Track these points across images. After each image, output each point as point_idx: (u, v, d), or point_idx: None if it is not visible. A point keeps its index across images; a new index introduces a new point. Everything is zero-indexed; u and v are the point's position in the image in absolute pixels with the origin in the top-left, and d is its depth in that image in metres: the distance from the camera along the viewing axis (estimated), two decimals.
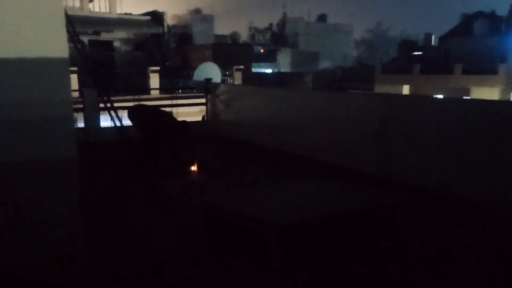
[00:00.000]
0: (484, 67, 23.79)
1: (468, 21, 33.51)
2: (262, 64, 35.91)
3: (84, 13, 21.03)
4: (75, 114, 12.18)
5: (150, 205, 5.48)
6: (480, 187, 5.41)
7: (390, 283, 3.57)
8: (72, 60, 7.49)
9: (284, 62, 38.60)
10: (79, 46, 6.44)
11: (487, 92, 22.40)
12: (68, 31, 4.59)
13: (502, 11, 34.16)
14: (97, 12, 22.14)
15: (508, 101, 16.94)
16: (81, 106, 10.67)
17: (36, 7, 3.29)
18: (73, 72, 14.26)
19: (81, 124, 11.14)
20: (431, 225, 4.72)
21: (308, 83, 27.71)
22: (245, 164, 7.68)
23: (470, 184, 5.52)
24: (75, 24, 6.84)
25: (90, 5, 21.95)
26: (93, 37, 21.99)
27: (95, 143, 8.56)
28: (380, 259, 3.91)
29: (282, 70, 36.34)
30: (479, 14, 34.13)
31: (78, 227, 3.63)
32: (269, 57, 38.04)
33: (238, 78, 22.28)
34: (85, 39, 19.98)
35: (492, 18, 32.36)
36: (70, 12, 10.63)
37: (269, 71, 35.15)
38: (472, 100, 12.10)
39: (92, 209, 4.90)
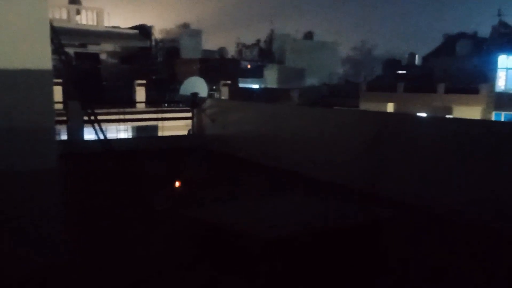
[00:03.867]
0: (466, 87, 24.31)
1: (451, 41, 34.31)
2: (249, 79, 36.12)
3: (71, 25, 20.98)
4: (59, 126, 12.06)
5: (135, 218, 5.41)
6: (467, 204, 5.48)
7: None
8: (57, 71, 7.46)
9: (271, 78, 38.89)
10: (63, 58, 6.40)
11: (469, 111, 22.85)
12: (53, 43, 4.56)
13: (484, 32, 35.12)
14: (84, 24, 22.11)
15: (490, 121, 17.30)
16: (65, 118, 10.58)
17: (20, 19, 3.27)
18: (58, 84, 14.13)
19: (64, 137, 11.01)
20: (419, 241, 4.75)
21: (295, 99, 27.92)
22: (230, 178, 7.65)
23: (457, 201, 5.59)
24: (62, 36, 6.82)
25: (77, 17, 21.93)
26: (80, 49, 21.91)
27: (79, 155, 8.45)
28: (366, 275, 3.90)
29: (269, 86, 36.58)
30: (462, 35, 35.00)
31: (60, 238, 3.56)
32: (256, 73, 38.30)
33: (225, 93, 22.36)
34: (71, 51, 19.88)
35: (474, 39, 33.21)
36: (56, 24, 10.59)
37: (256, 86, 35.34)
38: (454, 119, 12.34)
39: (75, 223, 4.81)
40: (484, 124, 8.41)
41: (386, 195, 6.24)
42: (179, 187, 6.91)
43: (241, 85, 31.59)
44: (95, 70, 22.01)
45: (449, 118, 8.83)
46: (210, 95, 14.50)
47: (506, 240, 4.78)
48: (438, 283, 3.83)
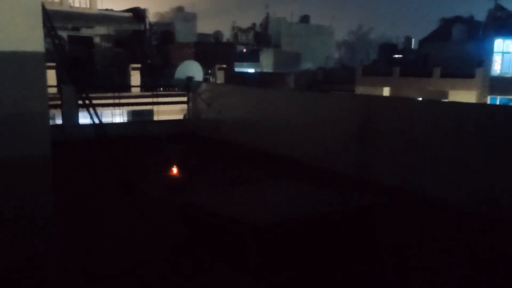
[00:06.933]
0: (461, 71, 24.26)
1: (447, 25, 34.07)
2: (244, 63, 35.85)
3: (64, 8, 20.62)
4: (53, 111, 11.95)
5: (128, 205, 5.41)
6: (454, 190, 5.52)
7: (366, 285, 3.60)
8: (51, 55, 7.35)
9: (267, 62, 38.63)
10: (56, 41, 6.30)
11: (464, 95, 22.86)
12: (45, 26, 4.48)
13: (480, 16, 34.91)
14: (77, 7, 21.75)
15: (484, 104, 17.31)
16: (59, 102, 10.50)
17: (11, 1, 3.21)
18: (51, 68, 13.97)
19: (59, 121, 10.94)
20: (408, 227, 4.79)
21: (290, 84, 27.81)
22: (225, 164, 7.65)
23: (445, 187, 5.62)
24: (54, 19, 6.70)
25: (70, 0, 21.55)
26: (73, 33, 21.58)
27: (73, 140, 8.41)
28: (356, 260, 3.94)
29: (264, 70, 36.36)
30: (458, 19, 34.74)
31: (52, 226, 3.56)
32: (252, 57, 37.99)
33: (220, 77, 22.21)
34: (64, 34, 19.59)
35: (470, 23, 32.97)
36: (48, 7, 10.40)
37: (251, 70, 35.12)
38: (448, 103, 12.34)
39: (68, 209, 4.81)
40: (475, 107, 8.42)
41: (377, 181, 6.27)
42: (174, 173, 6.90)
43: (236, 69, 31.36)
44: (89, 53, 21.74)
45: (440, 102, 8.87)
46: (205, 79, 14.40)
47: (493, 225, 4.84)
48: (416, 268, 3.87)
